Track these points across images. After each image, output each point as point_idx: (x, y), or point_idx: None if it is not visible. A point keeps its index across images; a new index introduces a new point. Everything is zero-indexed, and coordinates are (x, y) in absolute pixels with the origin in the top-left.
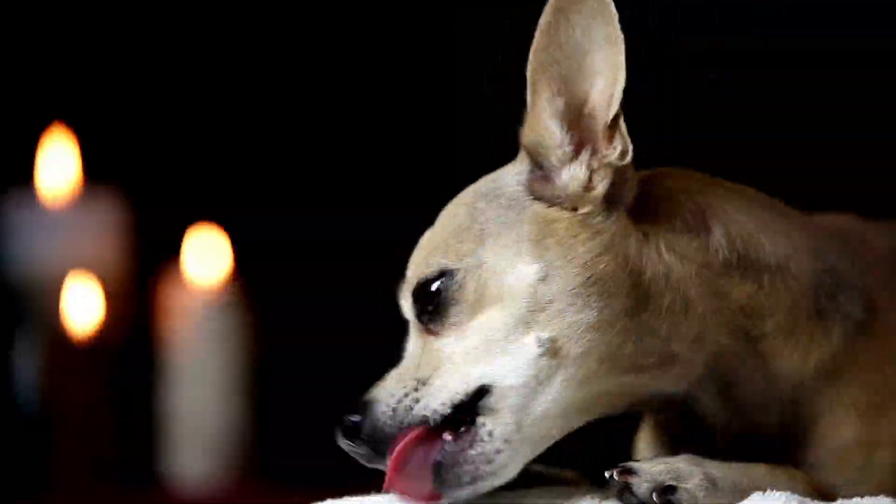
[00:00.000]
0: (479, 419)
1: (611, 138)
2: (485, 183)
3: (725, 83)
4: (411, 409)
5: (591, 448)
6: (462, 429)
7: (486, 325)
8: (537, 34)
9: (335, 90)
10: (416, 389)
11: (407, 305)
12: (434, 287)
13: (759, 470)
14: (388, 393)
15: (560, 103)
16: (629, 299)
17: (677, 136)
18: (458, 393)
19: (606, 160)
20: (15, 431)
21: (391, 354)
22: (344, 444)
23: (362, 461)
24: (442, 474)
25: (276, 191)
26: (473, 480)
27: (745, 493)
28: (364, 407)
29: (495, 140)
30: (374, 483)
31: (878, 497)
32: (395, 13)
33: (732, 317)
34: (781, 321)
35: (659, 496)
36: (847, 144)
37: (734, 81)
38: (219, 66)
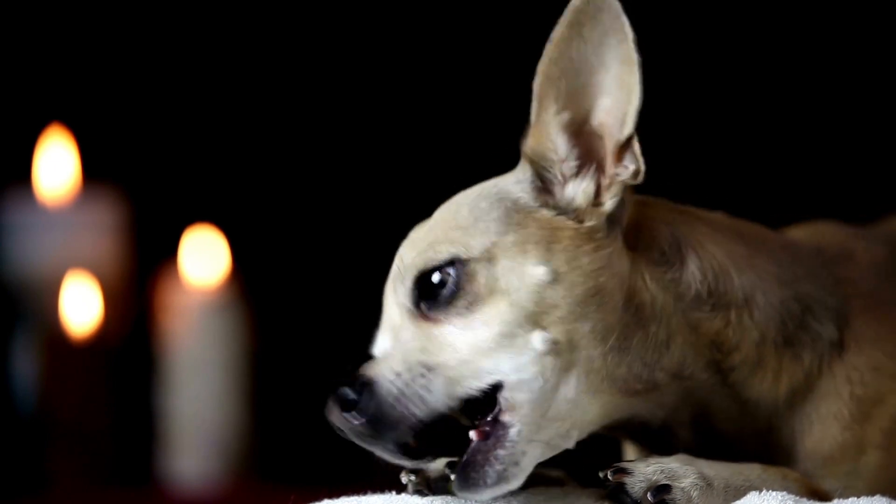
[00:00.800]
0: (505, 417)
1: (621, 157)
2: (484, 187)
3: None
4: (422, 398)
5: (578, 448)
6: (486, 428)
7: (494, 317)
8: (548, 46)
9: (333, 92)
10: (422, 375)
11: (402, 291)
12: (440, 275)
13: (752, 469)
14: (392, 372)
15: (566, 117)
16: (622, 317)
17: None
18: (471, 388)
19: (619, 178)
20: (13, 431)
21: None
22: (339, 419)
23: (355, 439)
24: (469, 474)
25: (274, 192)
26: (498, 482)
27: (739, 492)
28: (364, 385)
29: (493, 142)
30: (370, 483)
31: (875, 497)
32: (393, 14)
33: (705, 350)
34: (749, 354)
35: (654, 496)
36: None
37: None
38: (217, 69)
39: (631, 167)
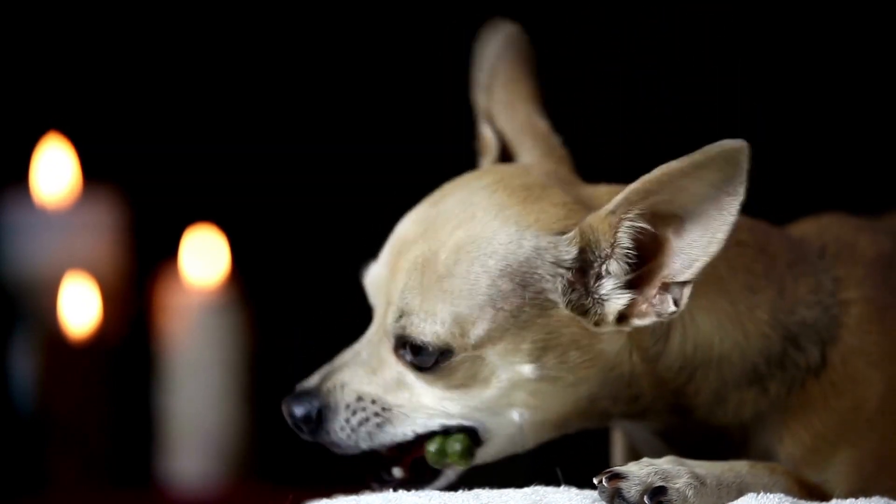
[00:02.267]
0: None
1: (667, 289)
2: (519, 250)
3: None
4: (372, 435)
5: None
6: None
7: (470, 396)
8: (661, 171)
9: (333, 92)
10: (377, 414)
11: (389, 325)
12: (426, 348)
13: (741, 466)
14: (346, 407)
15: (639, 224)
16: (595, 391)
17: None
18: (432, 427)
19: (658, 312)
20: (12, 431)
21: None
22: (291, 423)
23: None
24: (415, 475)
25: (274, 192)
26: (439, 481)
27: (731, 489)
28: (318, 408)
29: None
30: (367, 483)
31: (873, 498)
32: (390, 15)
33: (669, 397)
34: (708, 397)
35: (650, 498)
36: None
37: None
38: (216, 69)
39: (671, 307)
